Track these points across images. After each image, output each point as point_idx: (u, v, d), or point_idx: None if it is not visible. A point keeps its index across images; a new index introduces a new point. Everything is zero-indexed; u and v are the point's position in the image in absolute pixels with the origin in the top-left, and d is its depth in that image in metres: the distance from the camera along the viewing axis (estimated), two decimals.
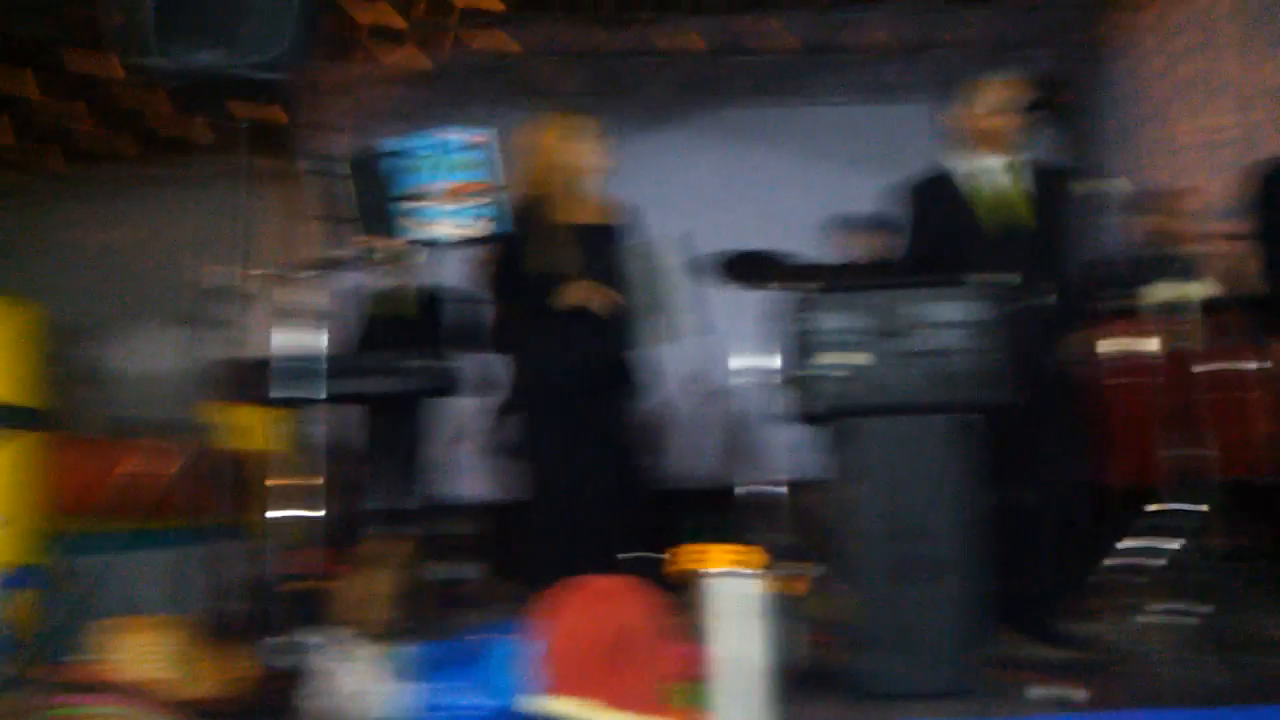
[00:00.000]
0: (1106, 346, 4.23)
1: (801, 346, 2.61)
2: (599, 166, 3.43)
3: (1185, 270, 4.62)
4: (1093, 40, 7.36)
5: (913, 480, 2.54)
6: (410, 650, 2.64)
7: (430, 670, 2.50)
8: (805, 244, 5.63)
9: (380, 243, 3.31)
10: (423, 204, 3.18)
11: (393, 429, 4.42)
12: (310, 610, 3.04)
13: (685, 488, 6.13)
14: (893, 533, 2.53)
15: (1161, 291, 2.97)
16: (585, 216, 3.42)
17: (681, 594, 2.58)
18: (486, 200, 3.14)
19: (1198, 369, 4.17)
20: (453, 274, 5.69)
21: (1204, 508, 4.14)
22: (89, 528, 3.35)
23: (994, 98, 3.26)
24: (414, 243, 3.24)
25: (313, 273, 3.48)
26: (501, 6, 6.75)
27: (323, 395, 3.60)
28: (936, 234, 3.34)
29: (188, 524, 2.94)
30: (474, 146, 3.16)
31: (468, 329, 4.75)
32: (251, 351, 4.00)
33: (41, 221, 7.83)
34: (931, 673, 2.51)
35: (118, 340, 7.50)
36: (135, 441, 4.02)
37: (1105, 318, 4.23)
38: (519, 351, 3.48)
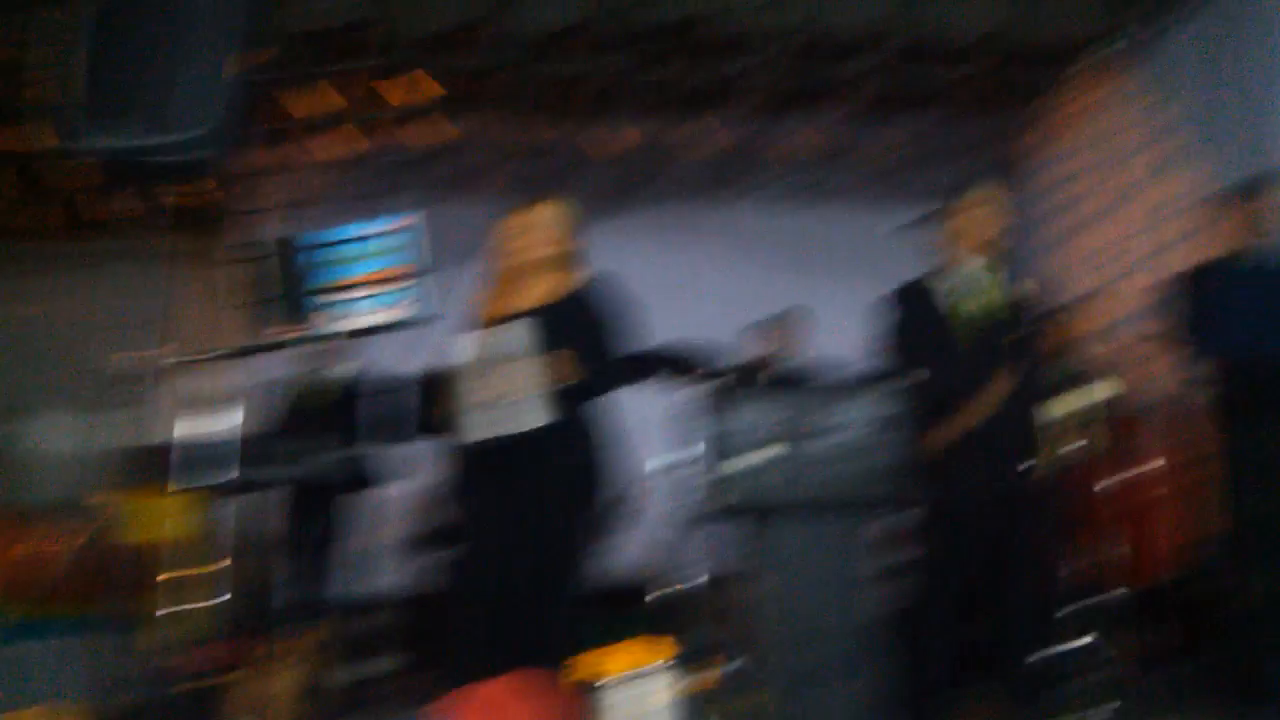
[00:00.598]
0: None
1: (716, 443, 2.63)
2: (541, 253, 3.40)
3: (1091, 377, 4.79)
4: (1006, 150, 7.67)
5: (822, 577, 2.55)
6: None
7: None
8: (731, 341, 5.73)
9: (300, 330, 3.28)
10: (346, 293, 3.16)
11: (306, 519, 4.33)
12: (209, 707, 2.94)
13: (605, 585, 6.07)
14: (801, 630, 2.53)
15: (1071, 401, 3.05)
16: (535, 299, 3.38)
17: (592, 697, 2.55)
18: (410, 283, 3.13)
19: (1107, 474, 4.31)
20: (379, 362, 5.69)
21: (1112, 608, 4.24)
22: None
23: (981, 208, 3.36)
24: (335, 332, 3.21)
25: (229, 357, 3.44)
26: (442, 91, 6.83)
27: (231, 482, 3.53)
28: (915, 343, 3.38)
29: (82, 612, 2.82)
30: (400, 230, 3.16)
31: (388, 418, 4.71)
32: (160, 436, 3.92)
33: None
34: None
35: (24, 420, 7.29)
36: (33, 525, 3.88)
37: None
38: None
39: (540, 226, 3.42)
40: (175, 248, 7.50)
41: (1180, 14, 5.78)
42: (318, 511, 4.24)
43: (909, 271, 3.55)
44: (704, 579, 4.50)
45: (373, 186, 7.44)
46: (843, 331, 6.37)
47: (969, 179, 3.54)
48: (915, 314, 3.41)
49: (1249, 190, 3.60)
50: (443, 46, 6.47)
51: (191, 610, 3.01)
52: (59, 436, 6.53)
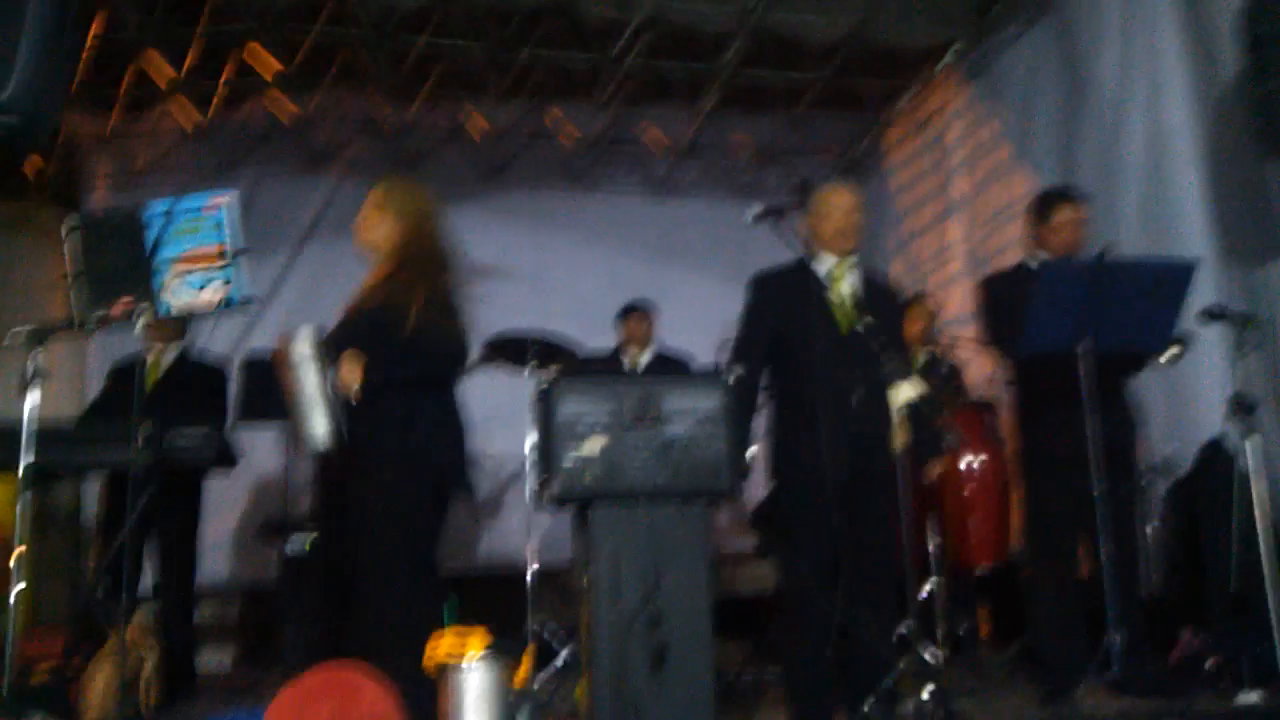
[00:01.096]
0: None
1: (546, 431, 2.65)
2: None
3: (916, 371, 5.01)
4: (849, 154, 7.93)
5: (645, 565, 2.61)
6: None
7: None
8: (579, 329, 5.76)
9: (125, 307, 3.15)
10: (165, 270, 3.05)
11: (129, 505, 4.16)
12: (36, 697, 2.81)
13: (455, 570, 6.05)
14: (624, 617, 2.58)
15: (907, 390, 3.18)
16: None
17: (434, 683, 2.55)
18: (221, 266, 3.03)
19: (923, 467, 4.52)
20: (207, 342, 5.51)
21: (932, 594, 4.45)
22: None
23: (834, 203, 3.44)
24: (156, 309, 3.09)
25: (55, 333, 3.28)
26: (279, 68, 6.63)
27: (49, 465, 3.37)
28: (775, 325, 3.46)
29: None
30: (213, 210, 3.06)
31: (214, 398, 4.57)
32: None
33: None
34: None
35: None
36: None
37: None
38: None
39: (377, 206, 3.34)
40: (6, 218, 7.10)
41: (1014, 30, 6.07)
42: (154, 496, 4.06)
43: (758, 262, 3.65)
44: (536, 567, 4.51)
45: (212, 160, 7.17)
46: (694, 322, 6.54)
47: (824, 176, 3.65)
48: (784, 299, 3.48)
49: (1045, 202, 3.83)
50: (284, 19, 6.29)
51: (21, 597, 2.86)
52: None
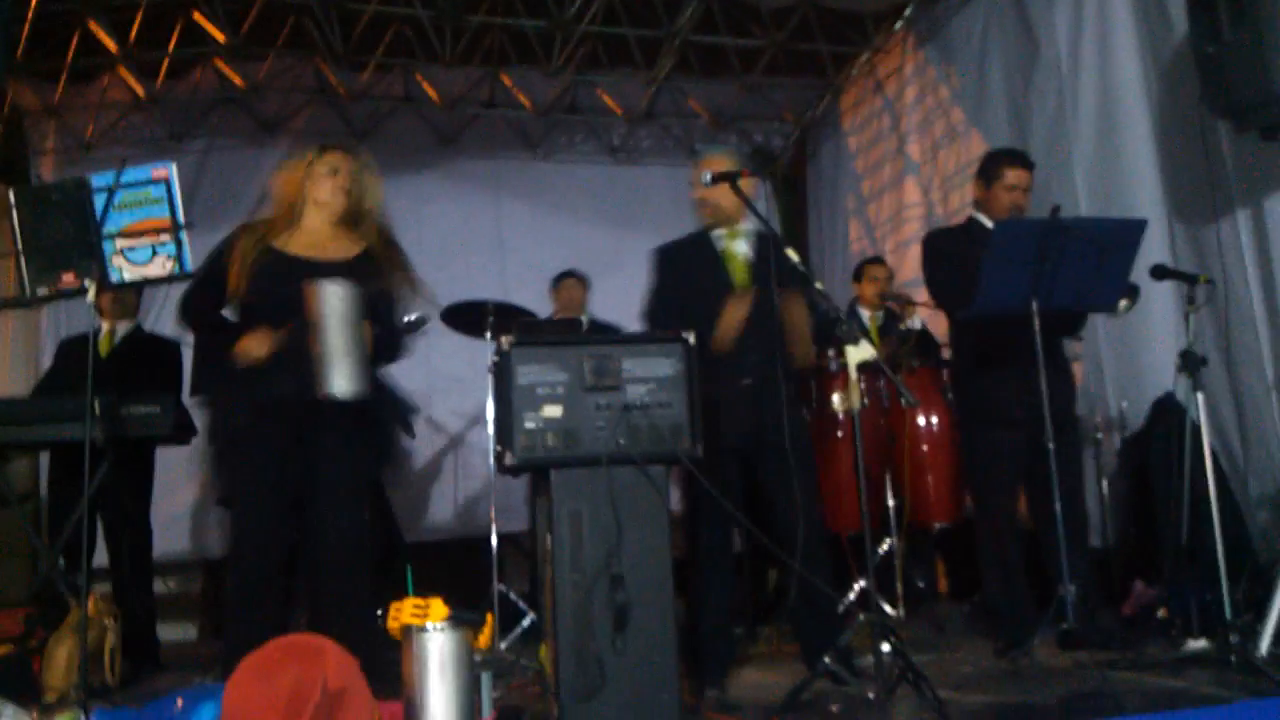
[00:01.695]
0: (832, 403, 4.57)
1: (504, 398, 2.65)
2: (327, 200, 3.32)
3: (869, 332, 5.06)
4: (806, 118, 7.94)
5: (605, 531, 2.62)
6: (104, 716, 2.47)
7: None
8: (538, 296, 5.76)
9: (73, 279, 3.10)
10: (112, 242, 3.01)
11: (92, 480, 4.11)
12: (2, 674, 2.79)
13: (414, 538, 6.05)
14: (584, 581, 2.60)
15: (859, 352, 3.20)
16: (314, 249, 3.27)
17: (395, 648, 2.55)
18: (165, 239, 2.99)
19: (890, 425, 4.58)
20: (157, 317, 5.44)
21: (888, 552, 4.53)
22: None
23: (709, 170, 3.44)
24: (105, 280, 3.05)
25: (5, 308, 3.23)
26: (223, 38, 6.51)
27: (4, 440, 3.32)
28: (680, 296, 3.48)
29: None
30: (154, 182, 3.01)
31: (168, 372, 4.51)
32: None
33: None
34: (626, 718, 2.57)
35: None
36: None
37: (821, 375, 4.58)
38: (213, 394, 3.30)
39: (338, 172, 3.31)
40: None
41: None
42: (108, 471, 4.02)
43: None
44: (503, 534, 4.53)
45: (158, 132, 7.04)
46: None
47: (781, 140, 3.65)
48: (689, 268, 3.53)
49: (992, 163, 3.87)
50: None
51: None
52: None
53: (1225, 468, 4.08)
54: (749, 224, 3.53)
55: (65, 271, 3.09)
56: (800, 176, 8.29)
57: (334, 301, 3.08)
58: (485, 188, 7.65)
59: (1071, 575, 3.35)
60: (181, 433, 4.08)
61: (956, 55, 6.21)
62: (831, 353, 4.42)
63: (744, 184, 3.35)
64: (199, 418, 3.78)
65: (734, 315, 3.32)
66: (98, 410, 3.26)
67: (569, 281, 5.70)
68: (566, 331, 5.16)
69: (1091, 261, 3.38)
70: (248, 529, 3.12)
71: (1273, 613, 3.24)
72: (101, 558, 4.39)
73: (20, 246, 3.10)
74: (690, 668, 3.17)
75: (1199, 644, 3.44)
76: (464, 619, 2.57)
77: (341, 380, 3.06)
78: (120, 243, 3.00)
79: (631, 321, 5.71)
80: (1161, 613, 3.83)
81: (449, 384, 6.27)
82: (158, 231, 2.99)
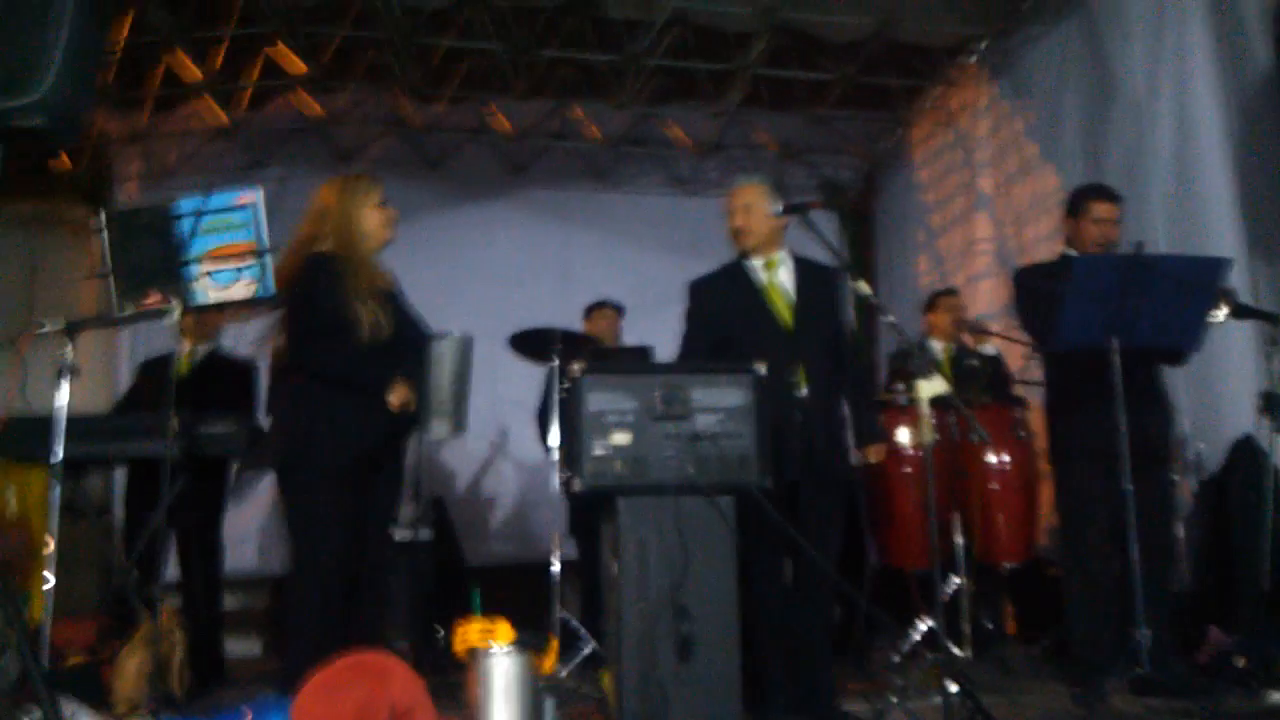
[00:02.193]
0: (900, 437, 4.51)
1: (573, 424, 2.67)
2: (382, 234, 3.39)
3: (946, 366, 5.00)
4: (874, 151, 7.92)
5: (671, 559, 2.62)
6: None
7: None
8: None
9: (157, 300, 3.19)
10: (195, 265, 3.09)
11: (167, 497, 4.21)
12: (70, 682, 2.85)
13: (474, 562, 6.09)
14: (650, 609, 2.59)
15: (930, 386, 3.17)
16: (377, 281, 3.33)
17: (460, 670, 2.57)
18: (250, 262, 3.07)
19: (958, 461, 4.51)
20: (234, 338, 5.55)
21: (956, 591, 4.44)
22: None
23: (746, 200, 3.44)
24: (187, 302, 3.13)
25: (90, 328, 3.34)
26: (304, 68, 6.68)
27: (81, 457, 3.41)
28: (717, 329, 3.45)
29: None
30: (239, 207, 3.10)
31: (244, 392, 4.60)
32: (17, 407, 3.77)
33: None
34: None
35: None
36: None
37: (890, 409, 4.53)
38: (302, 420, 3.34)
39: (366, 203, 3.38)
40: (37, 215, 7.18)
41: (1040, 26, 6.04)
42: (173, 488, 4.12)
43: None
44: (560, 561, 4.54)
45: (236, 160, 7.23)
46: None
47: (849, 174, 3.64)
48: (725, 300, 3.50)
49: (1079, 199, 3.82)
50: (310, 19, 6.33)
51: (54, 586, 2.91)
52: None
53: None
54: (786, 252, 3.49)
55: (151, 292, 3.18)
56: (869, 210, 8.26)
57: (454, 351, 3.22)
58: (553, 217, 7.72)
59: (1149, 619, 3.26)
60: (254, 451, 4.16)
61: (1030, 89, 6.16)
62: (900, 386, 4.37)
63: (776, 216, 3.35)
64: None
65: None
66: (176, 428, 3.33)
67: (605, 310, 5.72)
68: (636, 360, 5.16)
69: (1173, 298, 3.32)
70: (328, 552, 3.16)
71: None
72: (173, 572, 4.48)
73: (106, 268, 3.21)
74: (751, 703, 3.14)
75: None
76: (528, 643, 2.58)
77: (442, 427, 3.19)
78: (205, 265, 3.08)
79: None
80: (1240, 662, 3.71)
81: (514, 409, 6.31)
82: (241, 255, 3.07)
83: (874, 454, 3.52)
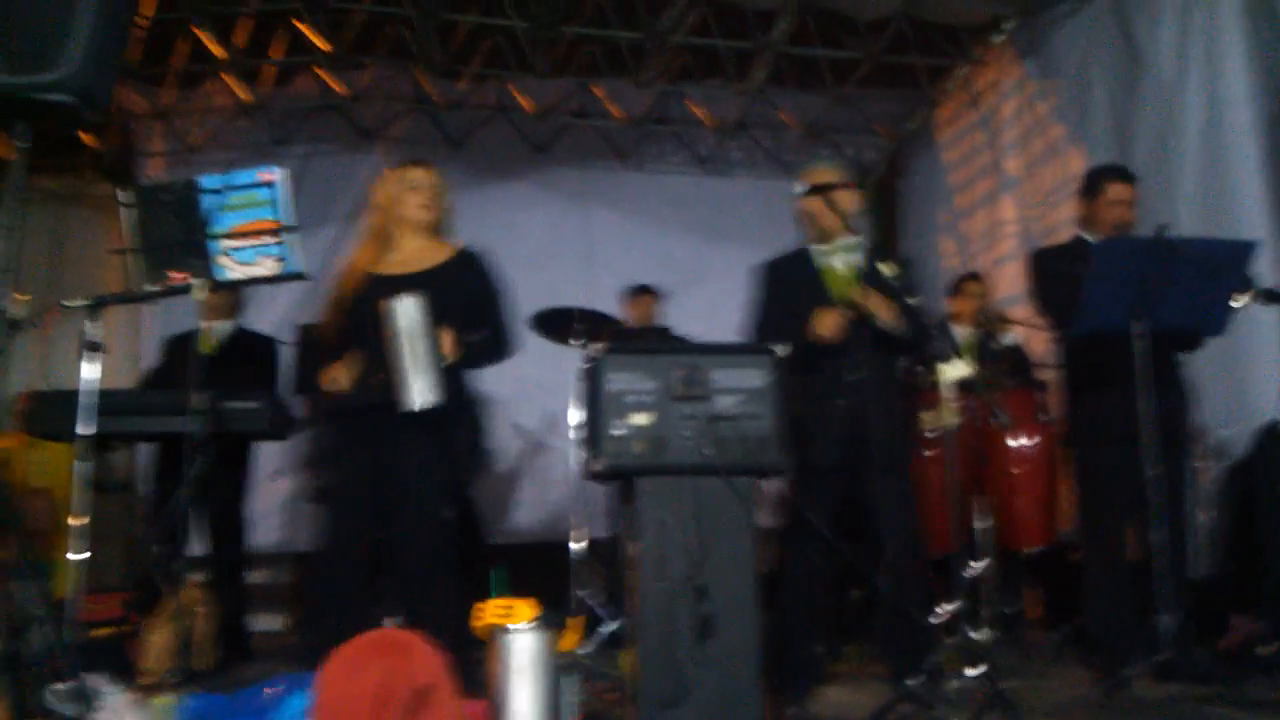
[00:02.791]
0: (921, 421, 4.49)
1: (593, 404, 2.66)
2: (413, 215, 3.39)
3: (973, 349, 4.97)
4: (900, 131, 7.85)
5: (690, 539, 2.61)
6: (194, 703, 2.54)
7: None
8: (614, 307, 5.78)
9: (181, 277, 3.21)
10: (218, 242, 3.11)
11: (193, 472, 4.25)
12: (98, 658, 2.88)
13: (495, 541, 6.12)
14: (670, 589, 2.59)
15: (952, 369, 3.15)
16: (408, 264, 3.34)
17: (481, 648, 2.58)
18: (274, 240, 3.08)
19: (983, 444, 4.48)
20: (270, 314, 5.59)
21: (983, 574, 4.42)
22: None
23: (809, 182, 3.41)
24: (212, 279, 3.15)
25: (113, 304, 3.35)
26: (328, 47, 6.68)
27: (109, 433, 3.44)
28: (779, 312, 3.45)
29: None
30: (263, 185, 3.11)
31: (266, 368, 4.64)
32: (43, 383, 3.81)
33: None
34: None
35: None
36: None
37: (920, 392, 4.50)
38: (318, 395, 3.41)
39: (421, 187, 3.37)
40: (61, 191, 7.23)
41: (1067, 5, 5.97)
42: (208, 463, 4.16)
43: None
44: (586, 540, 4.55)
45: (263, 135, 7.25)
46: (740, 300, 6.51)
47: (874, 153, 3.61)
48: (790, 283, 3.49)
49: (1095, 180, 3.79)
50: None
51: (83, 560, 2.94)
52: None
53: None
54: (851, 239, 3.47)
55: (173, 269, 3.20)
56: (892, 191, 8.20)
57: (404, 318, 3.11)
58: (575, 197, 7.72)
59: (1172, 605, 3.24)
60: (278, 428, 4.19)
61: (1058, 69, 6.08)
62: (921, 368, 4.35)
63: (845, 197, 3.33)
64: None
65: (822, 327, 3.28)
66: (200, 405, 3.36)
67: (645, 297, 5.74)
68: (656, 340, 5.17)
69: (1198, 282, 3.27)
70: (334, 528, 3.20)
71: None
72: (198, 547, 4.52)
73: (130, 245, 3.22)
74: (773, 683, 3.14)
75: None
76: (549, 622, 2.59)
77: (417, 395, 3.10)
78: (227, 243, 3.10)
79: (714, 334, 5.73)
80: (1265, 649, 3.68)
81: (534, 389, 6.33)
82: (264, 233, 3.08)
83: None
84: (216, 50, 6.63)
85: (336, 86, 7.12)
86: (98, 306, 3.19)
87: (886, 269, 3.10)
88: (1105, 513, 3.67)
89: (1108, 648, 3.56)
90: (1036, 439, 4.44)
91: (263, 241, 3.09)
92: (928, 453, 4.43)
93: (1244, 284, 3.41)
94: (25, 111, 2.76)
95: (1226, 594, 4.20)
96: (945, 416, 3.00)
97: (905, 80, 7.39)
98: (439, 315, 3.17)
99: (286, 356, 4.88)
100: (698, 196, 7.83)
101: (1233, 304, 3.46)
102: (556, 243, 7.44)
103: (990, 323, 5.06)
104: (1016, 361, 4.93)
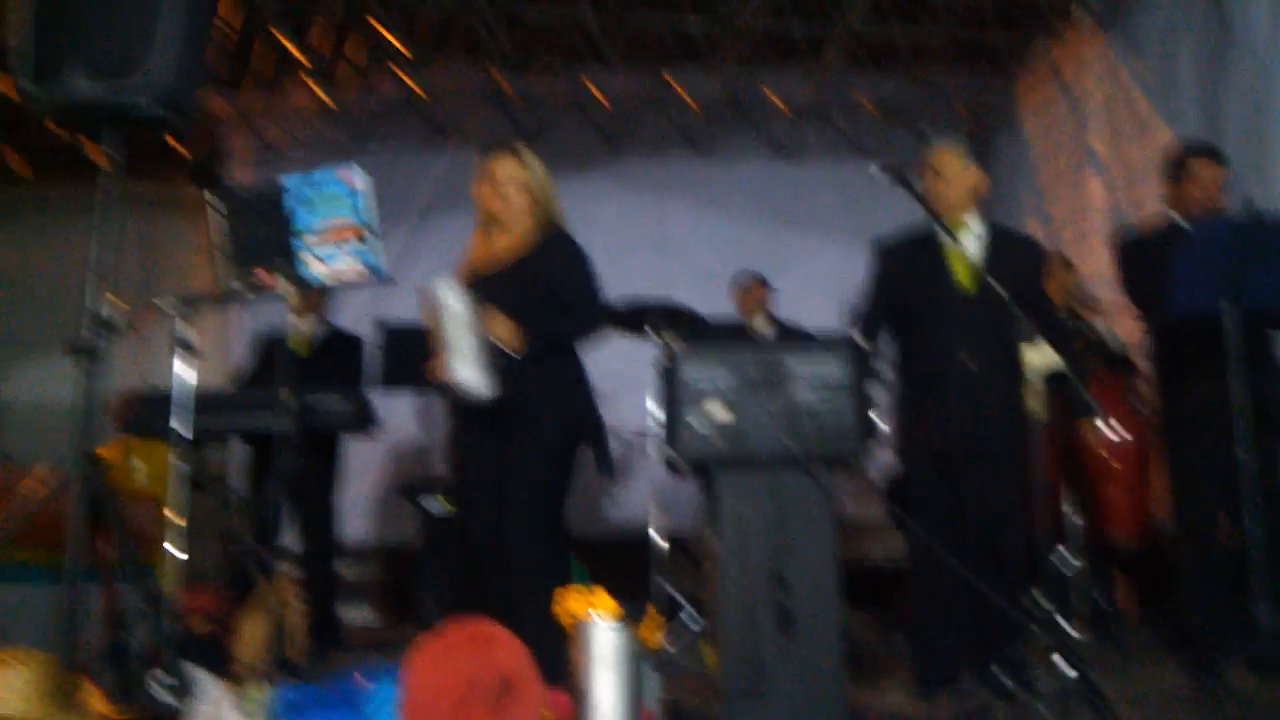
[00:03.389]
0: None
1: (672, 398, 2.67)
2: (489, 206, 3.40)
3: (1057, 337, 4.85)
4: (980, 110, 7.70)
5: (771, 531, 2.61)
6: (288, 693, 2.61)
7: (306, 714, 2.48)
8: (702, 296, 5.77)
9: (269, 277, 3.29)
10: (304, 243, 3.18)
11: (286, 468, 4.37)
12: (195, 650, 2.99)
13: (581, 532, 6.17)
14: (751, 582, 2.60)
15: (1038, 355, 3.08)
16: (495, 257, 3.37)
17: (564, 639, 2.61)
18: (353, 241, 3.13)
19: (1073, 435, 4.38)
20: (351, 313, 5.71)
21: (1072, 568, 4.33)
22: None
23: (945, 163, 3.37)
24: (299, 280, 3.22)
25: (206, 305, 3.46)
26: (402, 44, 6.78)
27: (206, 431, 3.55)
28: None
29: (67, 558, 2.84)
30: (348, 186, 3.16)
31: (352, 365, 4.74)
32: (138, 384, 3.95)
33: None
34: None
35: (6, 366, 7.23)
36: (18, 471, 3.91)
37: None
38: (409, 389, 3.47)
39: (488, 177, 3.39)
40: (155, 195, 7.45)
41: None
42: (298, 459, 4.28)
43: (885, 226, 3.58)
44: (662, 532, 4.57)
45: (345, 137, 7.39)
46: (819, 287, 6.46)
47: (939, 135, 3.52)
48: (905, 264, 3.43)
49: (1180, 159, 3.67)
50: None
51: (179, 555, 3.05)
52: (42, 383, 6.47)
53: None
54: (977, 218, 3.40)
55: (260, 270, 3.28)
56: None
57: (447, 301, 3.11)
58: (649, 188, 7.70)
59: (1267, 594, 3.14)
60: (363, 424, 4.28)
61: (1144, 43, 5.90)
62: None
63: (966, 175, 3.27)
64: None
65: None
66: (291, 402, 3.44)
67: (749, 283, 5.73)
68: (733, 333, 5.16)
69: None
70: (460, 520, 3.25)
71: None
72: (290, 541, 4.65)
73: (219, 247, 3.32)
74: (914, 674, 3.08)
75: None
76: (632, 614, 2.61)
77: (464, 377, 3.08)
78: (311, 243, 3.16)
79: (798, 322, 5.70)
80: None
81: (610, 382, 6.34)
82: (346, 234, 3.14)
83: (1085, 428, 3.47)
84: (296, 53, 6.77)
85: (411, 85, 7.22)
86: (190, 307, 3.29)
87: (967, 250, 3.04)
88: (1198, 501, 3.56)
89: (1202, 639, 3.47)
90: (1128, 426, 4.33)
91: (346, 243, 3.15)
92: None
93: None
94: (114, 120, 2.87)
95: None
96: (1034, 404, 2.93)
97: (984, 58, 7.24)
98: (521, 310, 3.18)
99: (370, 353, 4.99)
100: (773, 184, 7.76)
101: None
102: (630, 235, 7.43)
103: (1078, 306, 4.94)
104: (1106, 347, 4.81)
